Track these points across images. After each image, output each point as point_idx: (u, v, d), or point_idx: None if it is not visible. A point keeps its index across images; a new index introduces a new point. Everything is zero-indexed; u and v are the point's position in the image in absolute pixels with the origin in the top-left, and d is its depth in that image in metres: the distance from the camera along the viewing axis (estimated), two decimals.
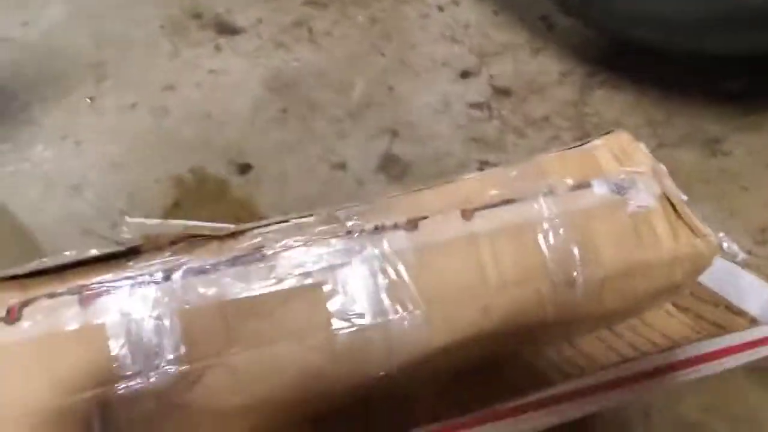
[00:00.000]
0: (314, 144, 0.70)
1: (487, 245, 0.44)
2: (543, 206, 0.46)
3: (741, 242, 0.62)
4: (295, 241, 0.42)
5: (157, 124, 0.71)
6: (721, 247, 0.51)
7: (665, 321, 0.52)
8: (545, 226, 0.45)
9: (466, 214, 0.45)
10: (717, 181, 0.67)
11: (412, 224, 0.44)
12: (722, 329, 0.47)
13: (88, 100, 0.75)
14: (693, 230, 0.50)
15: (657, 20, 0.67)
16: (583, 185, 0.47)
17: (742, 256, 0.53)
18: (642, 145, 0.51)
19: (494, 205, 0.46)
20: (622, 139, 0.52)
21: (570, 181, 0.47)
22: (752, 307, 0.49)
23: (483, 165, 0.69)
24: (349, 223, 0.43)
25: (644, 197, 0.48)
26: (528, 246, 0.45)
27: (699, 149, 0.70)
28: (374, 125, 0.72)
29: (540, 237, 0.46)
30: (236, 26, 0.83)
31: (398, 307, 0.42)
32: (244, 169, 0.67)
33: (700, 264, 0.51)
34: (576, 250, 0.46)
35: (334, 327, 0.41)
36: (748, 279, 0.51)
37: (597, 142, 0.52)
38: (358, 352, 0.41)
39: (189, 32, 0.82)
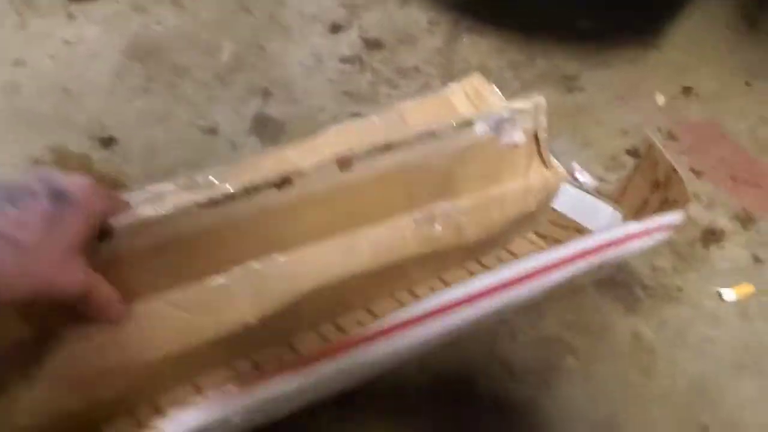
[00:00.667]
0: (182, 110, 0.68)
1: (358, 192, 0.45)
2: (414, 150, 0.47)
3: (594, 170, 0.68)
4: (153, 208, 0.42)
5: (8, 103, 0.67)
6: (571, 175, 0.56)
7: (527, 248, 0.56)
8: (411, 168, 0.47)
9: (344, 164, 0.45)
10: (573, 115, 0.72)
11: (287, 181, 0.44)
12: None
13: None
14: (545, 163, 0.55)
15: None
16: (465, 124, 0.48)
17: (591, 183, 0.58)
18: (494, 87, 0.54)
19: (368, 154, 0.46)
20: (475, 82, 0.55)
21: (454, 123, 0.48)
22: (597, 225, 0.54)
23: (356, 118, 0.70)
24: (218, 185, 0.43)
25: (516, 134, 0.50)
26: (392, 188, 0.47)
27: (556, 87, 0.75)
28: (245, 87, 0.71)
29: (404, 178, 0.47)
30: None
31: (262, 257, 0.43)
32: (108, 142, 0.64)
33: (550, 192, 0.55)
34: (436, 188, 0.49)
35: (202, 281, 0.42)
36: (593, 201, 0.57)
37: (453, 86, 0.54)
38: (224, 303, 0.42)
39: (37, 1, 0.76)
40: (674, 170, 0.43)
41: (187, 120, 0.67)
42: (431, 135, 0.45)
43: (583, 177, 0.62)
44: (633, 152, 0.69)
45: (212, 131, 0.67)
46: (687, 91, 0.76)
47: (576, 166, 0.60)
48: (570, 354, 0.55)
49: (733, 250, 0.61)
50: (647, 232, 0.42)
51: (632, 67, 0.77)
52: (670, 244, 0.60)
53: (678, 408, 0.52)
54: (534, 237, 0.58)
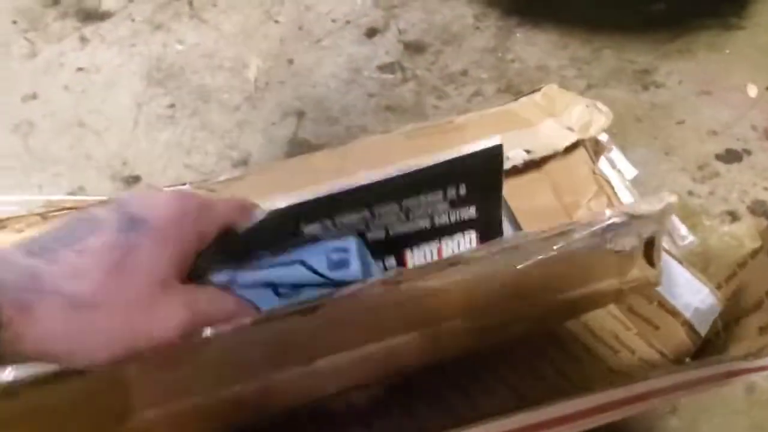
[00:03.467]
0: (211, 139, 0.62)
1: (404, 306, 0.37)
2: (485, 266, 0.38)
3: (681, 182, 0.59)
4: None
5: (22, 143, 0.61)
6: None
7: (595, 312, 0.47)
8: (478, 282, 0.38)
9: (390, 284, 0.36)
10: (651, 116, 0.63)
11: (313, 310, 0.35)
12: (654, 328, 0.43)
13: None
14: (651, 263, 0.44)
15: None
16: (560, 234, 0.38)
17: (688, 242, 0.47)
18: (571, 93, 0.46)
19: (423, 274, 0.36)
20: (548, 91, 0.46)
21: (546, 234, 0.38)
22: (686, 308, 0.44)
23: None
24: None
25: (627, 241, 0.40)
26: (448, 301, 0.38)
27: (629, 84, 0.65)
28: (276, 108, 0.64)
29: (467, 291, 0.38)
30: (102, 10, 0.71)
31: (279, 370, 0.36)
32: (132, 182, 0.58)
33: (647, 287, 0.45)
34: (504, 298, 0.40)
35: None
36: (685, 276, 0.46)
37: (522, 100, 0.46)
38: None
39: (47, 25, 0.70)
40: None
41: (216, 151, 0.61)
42: (514, 249, 0.34)
43: (683, 232, 0.50)
44: (725, 157, 0.59)
45: (244, 162, 0.60)
46: None
47: (675, 221, 0.49)
48: (672, 414, 0.47)
49: None
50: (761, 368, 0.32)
51: (717, 55, 0.67)
52: None
53: None
54: (614, 307, 0.48)
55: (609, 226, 0.37)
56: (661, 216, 0.37)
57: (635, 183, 0.57)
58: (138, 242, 0.23)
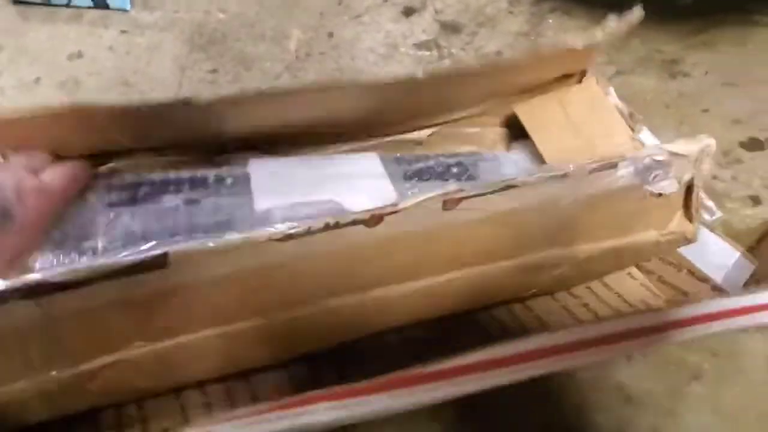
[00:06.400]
0: None
1: (459, 234, 0.38)
2: (538, 193, 0.39)
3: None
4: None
5: (68, 100, 0.63)
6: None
7: (625, 282, 0.49)
8: (528, 212, 0.39)
9: (451, 204, 0.38)
10: (677, 104, 0.65)
11: (378, 220, 0.37)
12: (684, 295, 0.45)
13: None
14: (690, 217, 0.45)
15: None
16: (606, 166, 0.40)
17: (716, 216, 0.49)
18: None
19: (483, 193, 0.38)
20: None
21: (593, 165, 0.40)
22: (716, 273, 0.46)
23: None
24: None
25: (666, 184, 0.41)
26: (500, 232, 0.40)
27: (657, 72, 0.67)
28: (316, 78, 0.66)
29: (517, 222, 0.39)
30: None
31: (337, 296, 0.38)
32: None
33: (683, 243, 0.46)
34: (551, 236, 0.41)
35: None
36: (715, 242, 0.48)
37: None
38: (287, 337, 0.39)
39: None
40: None
41: None
42: (563, 177, 0.36)
43: (710, 205, 0.51)
44: (748, 145, 0.62)
45: None
46: None
47: (703, 196, 0.50)
48: (695, 379, 0.49)
49: None
50: None
51: (740, 49, 0.69)
52: None
53: None
54: (634, 270, 0.50)
55: (650, 163, 0.38)
56: (700, 158, 0.38)
57: None
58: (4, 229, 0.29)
